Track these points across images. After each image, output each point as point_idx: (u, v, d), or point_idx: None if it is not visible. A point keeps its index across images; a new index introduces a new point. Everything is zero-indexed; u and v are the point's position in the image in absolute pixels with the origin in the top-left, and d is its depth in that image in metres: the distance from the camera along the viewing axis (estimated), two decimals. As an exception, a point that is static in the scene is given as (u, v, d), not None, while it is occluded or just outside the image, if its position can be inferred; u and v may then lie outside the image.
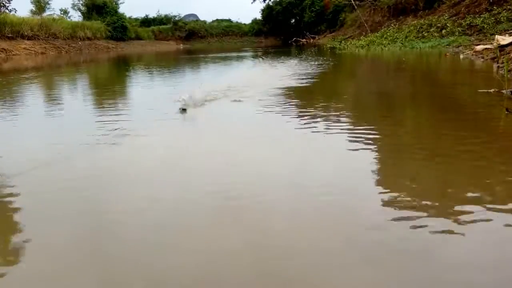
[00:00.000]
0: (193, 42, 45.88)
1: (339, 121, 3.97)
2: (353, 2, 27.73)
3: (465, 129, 3.54)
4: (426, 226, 1.80)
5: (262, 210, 2.05)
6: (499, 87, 4.94)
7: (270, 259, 1.61)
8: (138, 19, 47.01)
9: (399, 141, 3.38)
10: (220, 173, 2.60)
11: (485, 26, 14.75)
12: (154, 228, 1.90)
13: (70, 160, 2.99)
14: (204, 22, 50.77)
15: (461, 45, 13.34)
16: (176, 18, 48.41)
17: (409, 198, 2.10)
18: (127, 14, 39.82)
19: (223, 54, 22.36)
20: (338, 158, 2.87)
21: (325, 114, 4.39)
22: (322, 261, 1.58)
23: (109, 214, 2.08)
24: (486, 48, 10.09)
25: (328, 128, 3.69)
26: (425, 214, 1.91)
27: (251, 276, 1.53)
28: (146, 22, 47.68)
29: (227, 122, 4.28)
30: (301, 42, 35.28)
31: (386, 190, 2.22)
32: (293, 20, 44.49)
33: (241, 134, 3.70)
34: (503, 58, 7.09)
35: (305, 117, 4.17)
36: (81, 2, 36.50)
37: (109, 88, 8.55)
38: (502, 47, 8.60)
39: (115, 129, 3.82)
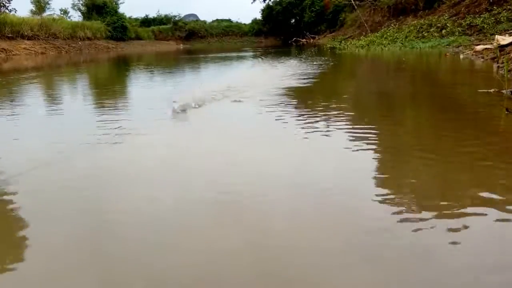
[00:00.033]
0: (193, 42, 45.91)
1: (339, 121, 3.96)
2: (353, 2, 27.74)
3: (465, 129, 3.54)
4: (426, 226, 1.79)
5: (262, 210, 2.05)
6: (499, 87, 4.94)
7: (270, 259, 1.61)
8: (138, 19, 47.06)
9: (399, 141, 3.38)
10: (220, 173, 2.60)
11: (485, 26, 14.75)
12: (154, 228, 1.90)
13: (70, 159, 2.99)
14: (204, 22, 50.81)
15: (461, 45, 13.34)
16: (176, 18, 48.46)
17: (409, 198, 2.10)
18: (127, 14, 39.89)
19: (223, 54, 22.36)
20: (338, 158, 2.87)
21: (325, 114, 4.39)
22: (322, 261, 1.58)
23: (109, 214, 2.08)
24: (486, 48, 10.10)
25: (328, 128, 3.69)
26: (425, 214, 1.91)
27: (251, 276, 1.53)
28: (146, 22, 47.72)
29: (227, 122, 4.28)
30: (301, 42, 35.29)
31: (386, 190, 2.22)
32: (293, 20, 44.52)
33: (241, 134, 3.70)
34: (503, 58, 7.09)
35: (305, 117, 4.17)
36: (81, 2, 36.55)
37: (109, 88, 8.55)
38: (502, 47, 8.60)
39: (115, 129, 3.82)
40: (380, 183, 2.36)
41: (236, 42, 46.69)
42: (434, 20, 18.27)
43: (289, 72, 9.01)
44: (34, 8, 29.98)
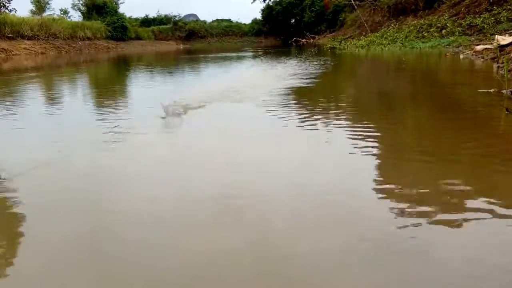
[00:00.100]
0: (193, 42, 45.89)
1: (339, 121, 3.97)
2: (353, 2, 27.74)
3: (465, 129, 3.54)
4: (426, 226, 1.80)
5: (263, 210, 2.05)
6: (499, 87, 4.94)
7: (270, 259, 1.61)
8: (138, 19, 47.02)
9: (400, 141, 3.39)
10: (220, 173, 2.60)
11: (485, 26, 14.75)
12: (154, 228, 1.90)
13: (70, 159, 2.99)
14: (204, 22, 50.78)
15: (461, 45, 13.34)
16: (176, 18, 48.42)
17: (409, 198, 2.10)
18: (127, 14, 39.86)
19: (223, 54, 22.36)
20: (338, 158, 2.87)
21: (325, 114, 4.39)
22: (323, 261, 1.58)
23: (109, 214, 2.08)
24: (486, 48, 10.09)
25: (328, 128, 3.69)
26: (425, 214, 1.91)
27: (251, 276, 1.53)
28: (146, 22, 47.69)
29: (228, 122, 4.28)
30: (301, 42, 35.28)
31: (387, 190, 2.22)
32: (293, 20, 44.50)
33: (242, 134, 3.70)
34: (503, 58, 7.09)
35: (305, 117, 4.17)
36: (81, 2, 36.52)
37: (109, 87, 8.56)
38: (502, 47, 8.60)
39: (115, 128, 3.82)
40: (380, 183, 2.36)
41: (236, 42, 46.68)
42: (434, 20, 18.27)
43: (289, 72, 9.01)
44: (34, 8, 29.98)
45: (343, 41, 23.74)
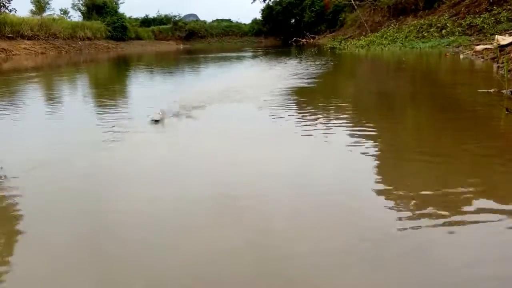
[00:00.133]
0: (193, 42, 45.89)
1: (339, 121, 3.96)
2: (353, 2, 27.74)
3: (465, 129, 3.54)
4: (426, 226, 1.80)
5: (263, 210, 2.05)
6: (499, 87, 4.94)
7: (270, 259, 1.61)
8: (138, 19, 47.01)
9: (400, 141, 3.39)
10: (220, 173, 2.60)
11: (485, 26, 14.75)
12: (154, 228, 1.90)
13: (70, 159, 2.98)
14: (204, 22, 50.77)
15: (461, 45, 13.34)
16: (176, 18, 48.40)
17: (409, 198, 2.10)
18: (127, 14, 39.84)
19: (223, 54, 22.36)
20: (338, 158, 2.87)
21: (325, 114, 4.39)
22: (323, 261, 1.58)
23: (109, 214, 2.08)
24: (486, 48, 10.10)
25: (328, 128, 3.69)
26: (425, 214, 1.91)
27: (251, 276, 1.53)
28: (146, 22, 47.68)
29: (228, 122, 4.28)
30: (301, 42, 35.28)
31: (387, 190, 2.22)
32: (293, 20, 44.49)
33: (241, 134, 3.70)
34: (503, 58, 7.09)
35: (305, 117, 4.17)
36: (81, 2, 36.50)
37: (109, 87, 8.55)
38: (502, 47, 8.60)
39: (115, 128, 3.82)
40: (380, 183, 2.36)
41: (236, 42, 46.68)
42: (434, 20, 18.27)
43: (289, 72, 9.01)
44: (34, 8, 29.96)
45: (343, 41, 23.74)
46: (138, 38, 39.32)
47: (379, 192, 2.20)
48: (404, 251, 1.64)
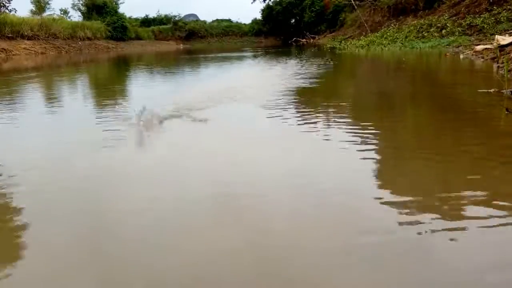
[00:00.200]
0: (193, 42, 45.89)
1: (339, 121, 3.97)
2: (353, 2, 27.74)
3: (465, 129, 3.54)
4: (426, 226, 1.79)
5: (263, 210, 2.05)
6: (499, 87, 4.94)
7: (270, 259, 1.61)
8: (138, 19, 47.03)
9: (400, 141, 3.39)
10: (220, 173, 2.60)
11: (485, 26, 14.75)
12: (154, 228, 1.90)
13: (70, 159, 2.99)
14: (204, 22, 50.78)
15: (461, 45, 13.34)
16: (176, 18, 48.41)
17: (409, 198, 2.10)
18: (127, 14, 39.87)
19: (223, 54, 22.37)
20: (338, 158, 2.87)
21: (325, 114, 4.40)
22: (322, 261, 1.58)
23: (109, 214, 2.08)
24: (486, 48, 10.09)
25: (328, 128, 3.69)
26: (425, 213, 1.91)
27: (251, 276, 1.53)
28: (146, 22, 47.69)
29: (227, 122, 4.28)
30: (301, 42, 35.29)
31: (387, 190, 2.22)
32: (293, 20, 44.51)
33: (241, 134, 3.70)
34: (503, 58, 7.09)
35: (305, 117, 4.17)
36: (81, 2, 36.53)
37: (109, 87, 8.56)
38: (502, 47, 8.60)
39: (115, 128, 3.82)
40: (380, 183, 2.36)
41: (236, 42, 46.69)
42: (434, 20, 18.27)
43: (289, 72, 9.01)
44: (34, 8, 29.97)
45: (343, 41, 23.74)
46: (138, 38, 39.33)
47: (379, 192, 2.20)
48: (404, 251, 1.64)
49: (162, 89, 7.89)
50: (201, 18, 54.34)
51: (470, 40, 13.90)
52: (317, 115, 4.28)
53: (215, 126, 4.03)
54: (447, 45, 14.52)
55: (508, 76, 5.06)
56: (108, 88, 8.38)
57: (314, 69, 9.68)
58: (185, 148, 3.30)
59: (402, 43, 17.70)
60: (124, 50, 32.46)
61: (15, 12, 24.63)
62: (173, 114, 4.38)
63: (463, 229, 1.78)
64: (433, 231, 1.76)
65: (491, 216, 1.86)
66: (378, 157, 2.85)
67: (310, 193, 2.23)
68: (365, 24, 25.81)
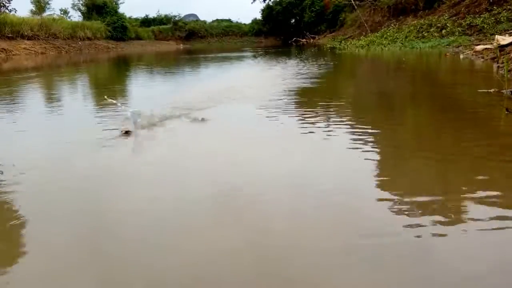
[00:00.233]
0: (193, 42, 45.89)
1: (339, 121, 3.97)
2: (353, 2, 27.74)
3: (465, 129, 3.54)
4: (426, 226, 1.80)
5: (263, 210, 2.05)
6: (499, 87, 4.94)
7: (270, 259, 1.61)
8: (138, 19, 47.02)
9: (400, 141, 3.39)
10: (220, 173, 2.60)
11: (485, 26, 14.75)
12: (154, 228, 1.90)
13: (70, 159, 2.99)
14: (204, 22, 50.78)
15: (461, 45, 13.34)
16: (176, 18, 48.41)
17: (409, 198, 2.10)
18: (127, 14, 39.86)
19: (223, 54, 22.37)
20: (338, 158, 2.87)
21: (325, 114, 4.39)
22: (322, 261, 1.58)
23: (109, 214, 2.08)
24: (486, 48, 10.09)
25: (328, 128, 3.69)
26: (425, 214, 1.91)
27: (251, 276, 1.53)
28: (146, 22, 47.68)
29: (227, 122, 4.28)
30: (301, 42, 35.29)
31: (387, 190, 2.22)
32: (293, 20, 44.50)
33: (241, 135, 3.70)
34: (503, 58, 7.09)
35: (305, 117, 4.17)
36: (81, 2, 36.52)
37: (109, 87, 8.55)
38: (502, 47, 8.60)
39: (115, 128, 3.82)
40: (380, 183, 2.36)
41: (236, 42, 46.69)
42: (434, 20, 18.26)
43: (289, 72, 9.02)
44: (34, 8, 29.97)
45: (343, 41, 23.74)
46: (138, 38, 39.33)
47: (379, 192, 2.20)
48: (404, 251, 1.64)
49: (162, 89, 7.89)
50: (201, 18, 54.37)
51: (470, 40, 13.90)
52: (317, 115, 4.28)
53: (215, 126, 4.03)
54: (447, 45, 14.52)
55: (508, 76, 5.06)
56: (108, 88, 8.37)
57: (314, 69, 9.68)
58: (185, 148, 3.30)
59: (402, 43, 17.70)
60: (124, 50, 32.45)
61: (15, 12, 24.65)
62: (173, 114, 4.38)
63: (463, 229, 1.78)
64: (433, 231, 1.76)
65: (491, 216, 1.86)
66: (378, 157, 2.85)
67: (310, 193, 2.23)
68: (365, 24, 25.81)
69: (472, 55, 10.37)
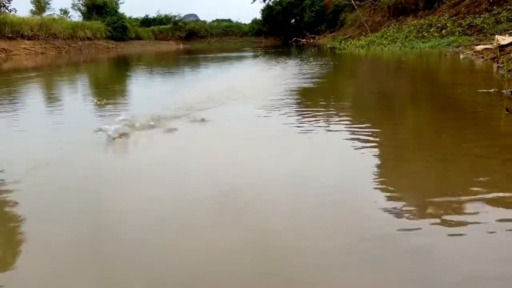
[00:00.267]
0: (193, 42, 45.91)
1: (339, 121, 3.97)
2: (353, 2, 27.75)
3: (465, 129, 3.54)
4: (426, 226, 1.80)
5: (263, 209, 2.05)
6: (499, 87, 4.94)
7: (270, 259, 1.61)
8: (138, 19, 47.07)
9: (400, 141, 3.39)
10: (220, 173, 2.60)
11: (485, 26, 14.75)
12: (154, 228, 1.90)
13: (70, 159, 2.99)
14: (204, 22, 50.81)
15: (461, 45, 13.34)
16: (176, 18, 48.45)
17: (409, 198, 2.10)
18: (127, 14, 39.90)
19: (223, 54, 22.37)
20: (338, 158, 2.87)
21: (325, 114, 4.39)
22: (322, 261, 1.58)
23: (109, 214, 2.09)
24: (486, 48, 10.10)
25: (328, 128, 3.69)
26: (425, 214, 1.91)
27: (251, 276, 1.53)
28: (146, 22, 47.72)
29: (227, 122, 4.28)
30: (301, 42, 35.30)
31: (387, 190, 2.22)
32: (293, 20, 44.54)
33: (241, 135, 3.70)
34: (503, 58, 7.09)
35: (305, 117, 4.17)
36: (81, 2, 36.55)
37: (109, 87, 8.56)
38: (502, 47, 8.60)
39: (115, 128, 3.81)
40: (380, 182, 2.36)
41: (236, 42, 46.70)
42: (434, 20, 18.27)
43: (289, 72, 9.02)
44: (34, 8, 29.98)
45: (343, 41, 23.75)
46: (138, 38, 39.35)
47: (379, 192, 2.20)
48: (404, 251, 1.64)
49: (161, 89, 7.89)
50: (201, 18, 54.43)
51: (470, 40, 13.90)
52: (317, 115, 4.28)
53: (215, 126, 4.03)
54: (447, 45, 14.52)
55: (508, 76, 5.06)
56: (108, 88, 8.38)
57: (314, 69, 9.68)
58: (185, 148, 3.30)
59: (402, 43, 17.70)
60: (124, 50, 32.46)
61: (15, 12, 24.67)
62: (173, 114, 4.38)
63: (463, 229, 1.78)
64: (433, 230, 1.76)
65: (491, 216, 1.86)
66: (378, 156, 2.85)
67: (310, 193, 2.23)
68: (365, 24, 25.81)
69: (472, 55, 10.38)
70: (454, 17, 17.33)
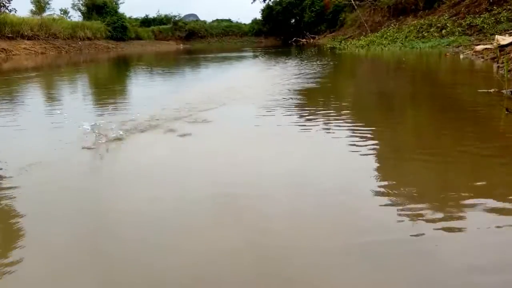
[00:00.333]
0: (193, 42, 45.91)
1: (339, 121, 3.96)
2: (353, 2, 27.76)
3: (465, 129, 3.54)
4: (426, 226, 1.80)
5: (263, 209, 2.05)
6: (499, 87, 4.94)
7: (270, 259, 1.61)
8: (138, 19, 47.08)
9: (399, 141, 3.39)
10: (220, 173, 2.60)
11: (485, 26, 14.76)
12: (154, 228, 1.90)
13: (70, 159, 2.98)
14: (204, 22, 50.82)
15: (461, 45, 13.34)
16: (176, 18, 48.46)
17: (409, 198, 2.10)
18: (127, 14, 39.91)
19: (223, 54, 22.37)
20: (338, 158, 2.87)
21: (325, 114, 4.39)
22: (322, 261, 1.58)
23: (109, 214, 2.09)
24: (486, 48, 10.10)
25: (328, 128, 3.69)
26: (425, 214, 1.91)
27: (251, 276, 1.53)
28: (146, 22, 47.72)
29: (227, 122, 4.28)
30: (301, 42, 35.30)
31: (387, 190, 2.22)
32: (293, 20, 44.55)
33: (241, 135, 3.70)
34: (503, 58, 7.09)
35: (305, 117, 4.18)
36: (81, 2, 36.56)
37: (109, 87, 8.55)
38: (502, 47, 8.61)
39: (115, 128, 3.81)
40: (380, 183, 2.36)
41: (236, 42, 46.70)
42: (434, 20, 18.27)
43: (289, 72, 9.02)
44: (34, 8, 29.99)
45: (343, 41, 23.75)
46: (138, 38, 39.35)
47: (379, 192, 2.20)
48: (404, 251, 1.64)
49: (161, 89, 7.89)
50: (201, 18, 54.43)
51: (470, 40, 13.90)
52: (317, 115, 4.28)
53: (215, 126, 4.03)
54: (447, 45, 14.52)
55: (508, 76, 5.06)
56: (108, 88, 8.38)
57: (314, 69, 9.68)
58: (185, 148, 3.30)
59: (402, 43, 17.71)
60: (124, 50, 32.45)
61: (15, 12, 24.66)
62: (173, 114, 4.38)
63: (463, 229, 1.78)
64: (433, 230, 1.76)
65: (491, 216, 1.86)
66: (378, 156, 2.85)
67: (310, 193, 2.23)
68: (365, 24, 25.81)
69: (472, 55, 10.38)
70: (454, 17, 17.33)
